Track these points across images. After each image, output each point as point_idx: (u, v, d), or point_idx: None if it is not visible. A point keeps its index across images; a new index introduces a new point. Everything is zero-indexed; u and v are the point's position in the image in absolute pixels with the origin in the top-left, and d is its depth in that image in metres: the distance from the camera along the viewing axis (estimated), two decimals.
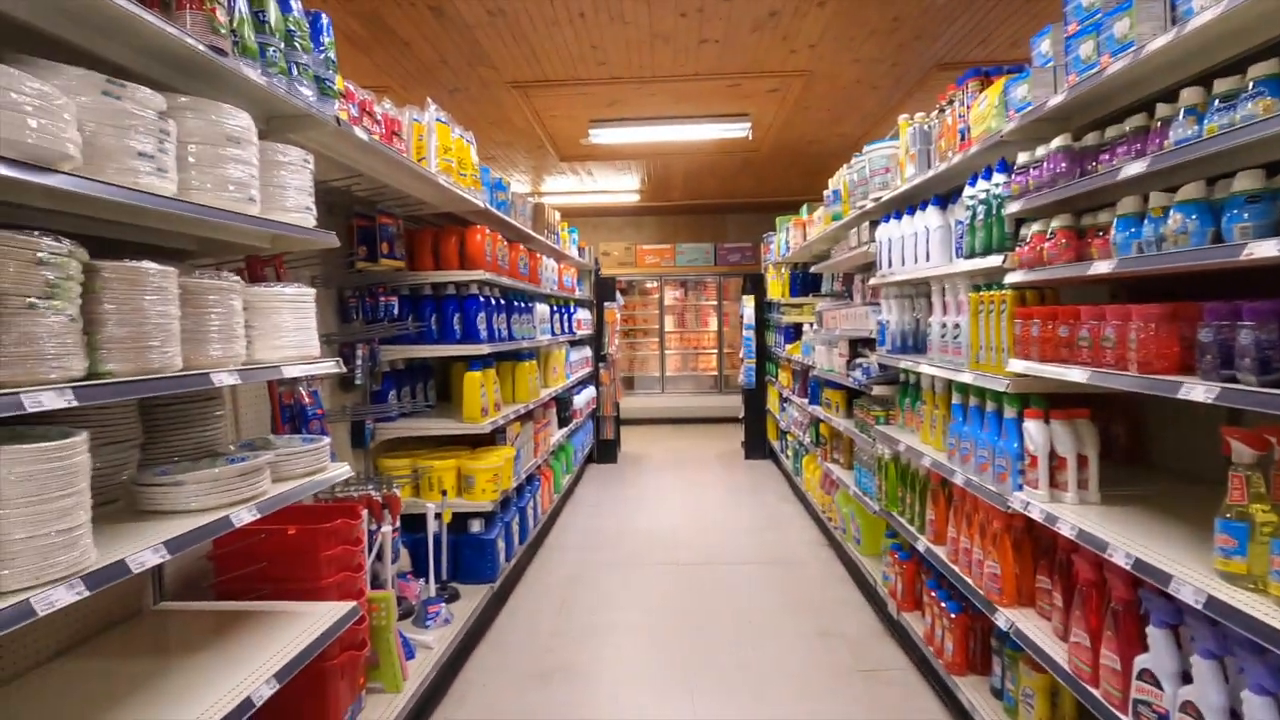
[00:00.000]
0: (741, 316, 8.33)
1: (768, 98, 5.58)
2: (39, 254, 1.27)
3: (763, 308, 8.03)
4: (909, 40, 4.45)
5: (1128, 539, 1.78)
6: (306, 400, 2.76)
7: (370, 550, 2.73)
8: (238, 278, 1.85)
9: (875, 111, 5.96)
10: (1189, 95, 1.58)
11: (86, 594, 1.27)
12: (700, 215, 11.19)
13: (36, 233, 1.29)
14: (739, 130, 6.15)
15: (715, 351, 11.42)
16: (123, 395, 1.42)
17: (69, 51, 1.53)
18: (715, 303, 11.40)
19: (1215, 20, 1.43)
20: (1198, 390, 1.46)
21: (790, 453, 6.69)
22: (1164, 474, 2.48)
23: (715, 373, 11.40)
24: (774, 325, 7.66)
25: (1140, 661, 1.70)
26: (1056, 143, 2.02)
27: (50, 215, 1.60)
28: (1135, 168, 1.67)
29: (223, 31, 1.70)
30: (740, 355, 8.41)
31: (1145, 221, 1.69)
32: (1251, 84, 1.43)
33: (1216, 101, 1.50)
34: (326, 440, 2.25)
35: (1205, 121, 1.52)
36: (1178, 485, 2.33)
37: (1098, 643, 1.87)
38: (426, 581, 3.34)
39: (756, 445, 8.08)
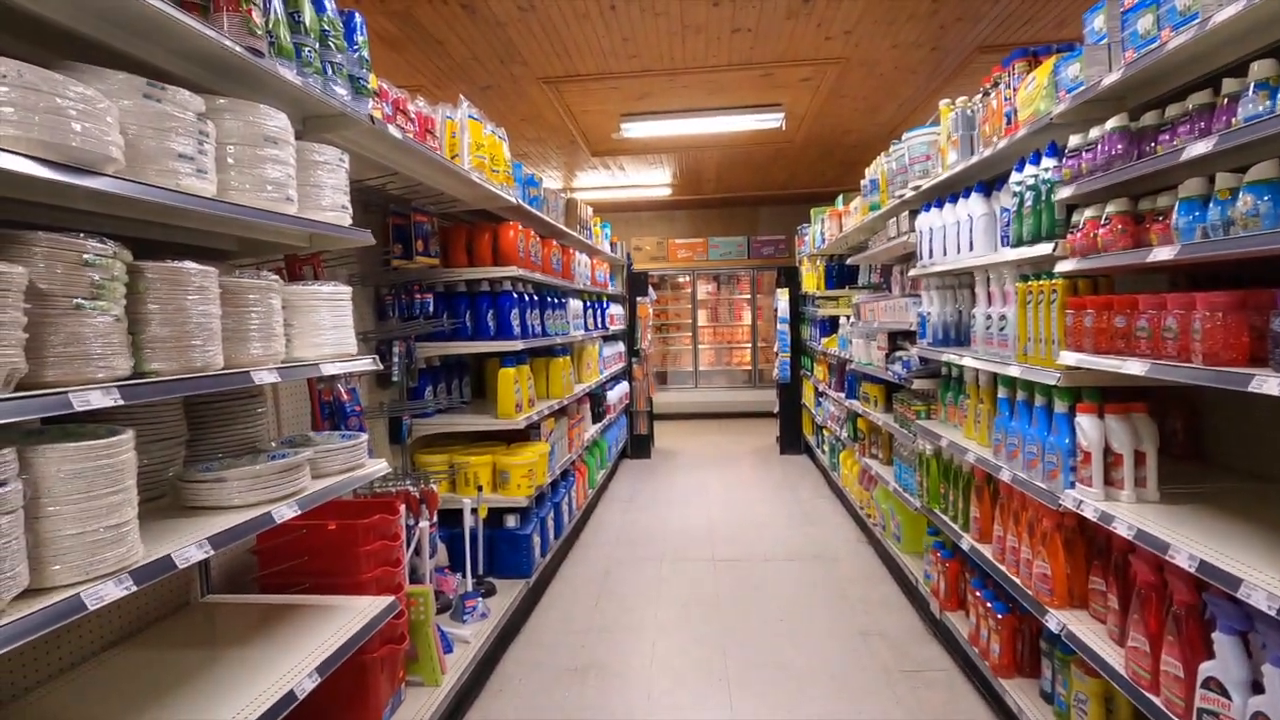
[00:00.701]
0: (775, 310, 8.23)
1: (801, 87, 5.48)
2: (85, 256, 1.30)
3: (797, 301, 7.91)
4: (950, 22, 4.32)
5: (1190, 540, 1.69)
6: (345, 397, 2.80)
7: (408, 545, 2.76)
8: (277, 277, 1.87)
9: (914, 98, 5.80)
10: (1260, 69, 1.48)
11: (134, 589, 1.30)
12: (733, 208, 11.08)
13: (82, 235, 1.31)
14: (772, 121, 6.06)
15: (749, 346, 11.31)
16: (167, 394, 1.44)
17: (111, 56, 1.56)
18: (749, 296, 11.28)
19: None
20: (1271, 383, 1.37)
21: (826, 448, 6.58)
22: (1226, 472, 2.36)
23: (749, 367, 11.29)
24: (809, 319, 7.54)
25: (1205, 669, 1.61)
26: (1112, 123, 1.92)
27: (91, 217, 1.64)
28: (1200, 147, 1.57)
29: (259, 33, 1.72)
30: (774, 349, 8.31)
31: (1211, 204, 1.59)
32: None
33: None
34: (365, 437, 2.27)
35: (1279, 97, 1.42)
36: (1242, 484, 2.22)
37: (1158, 648, 1.78)
38: (463, 576, 3.37)
39: (791, 440, 7.98)
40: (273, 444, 2.18)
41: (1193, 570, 1.59)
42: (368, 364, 2.18)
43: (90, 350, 1.29)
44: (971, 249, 2.89)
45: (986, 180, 2.92)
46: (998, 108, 2.66)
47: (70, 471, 1.24)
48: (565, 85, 5.26)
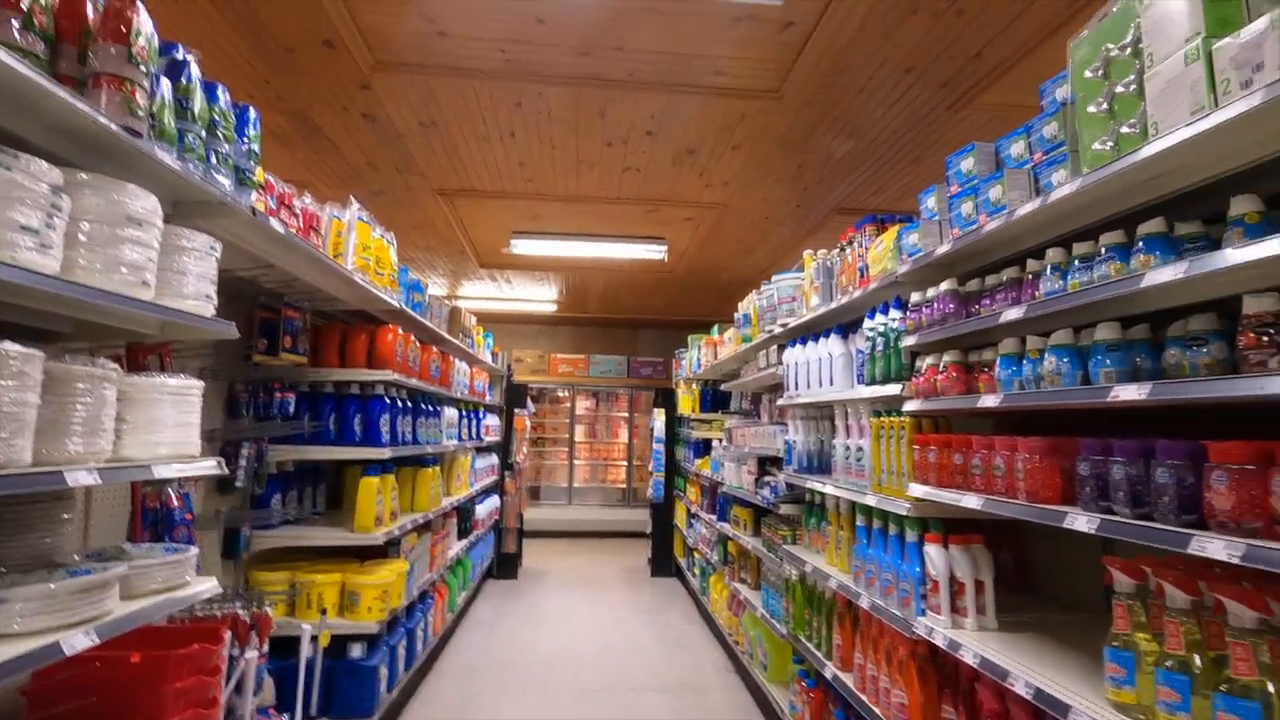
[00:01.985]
0: (652, 429, 8.39)
1: (684, 224, 5.93)
2: None
3: (673, 422, 8.13)
4: (811, 185, 4.92)
5: (1027, 666, 1.82)
6: (175, 503, 2.48)
7: (229, 680, 2.38)
8: (115, 365, 1.69)
9: (782, 244, 6.44)
10: (1053, 254, 1.80)
11: None
12: (615, 328, 11.45)
13: None
14: (656, 252, 6.46)
15: (625, 464, 11.34)
16: None
17: None
18: (627, 415, 11.46)
19: (1070, 195, 1.67)
20: (1080, 520, 1.56)
21: (697, 570, 6.56)
22: (1049, 600, 2.59)
23: (624, 485, 11.26)
24: (684, 440, 7.73)
25: None
26: (944, 286, 2.23)
27: None
28: (1014, 313, 1.85)
29: (140, 114, 1.65)
30: (650, 468, 8.39)
31: (1024, 361, 1.86)
32: (1104, 249, 1.65)
33: (1076, 262, 1.72)
34: (194, 551, 2.00)
35: (1069, 277, 1.73)
36: (1063, 612, 2.43)
37: None
38: (292, 717, 2.93)
39: (663, 562, 7.90)
40: (76, 557, 1.87)
41: (1030, 697, 1.70)
42: (209, 467, 1.97)
43: None
44: (832, 384, 3.14)
45: (845, 323, 3.24)
46: (852, 262, 3.01)
47: None
48: (460, 198, 5.37)
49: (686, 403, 7.57)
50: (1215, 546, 1.22)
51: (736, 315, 5.20)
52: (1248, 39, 1.20)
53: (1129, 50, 1.50)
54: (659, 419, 8.14)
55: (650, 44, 3.24)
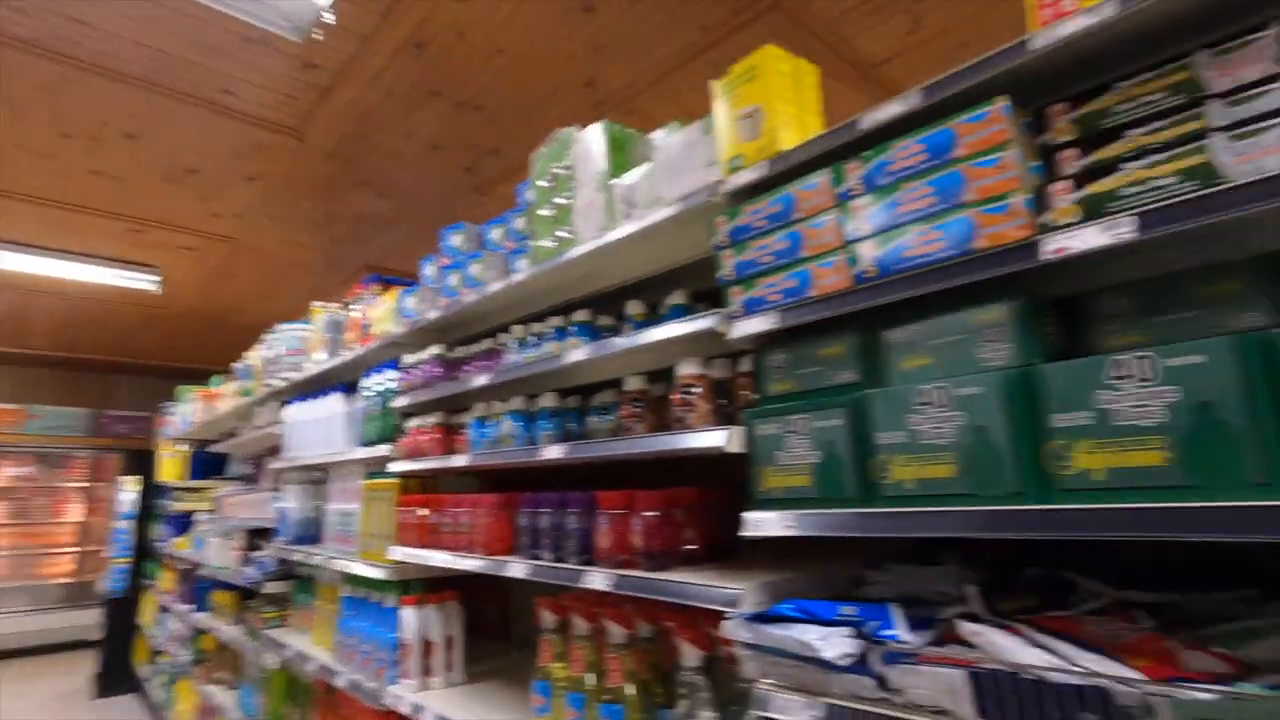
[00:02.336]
0: (118, 503, 6.62)
1: (183, 254, 5.02)
2: None
3: (152, 492, 6.55)
4: (343, 238, 4.73)
5: (481, 716, 1.91)
6: None
7: None
8: None
9: (308, 294, 5.95)
10: (516, 330, 2.05)
11: None
12: (79, 371, 8.85)
13: None
14: (145, 282, 5.29)
15: (76, 550, 8.61)
16: None
17: None
18: (86, 484, 8.81)
19: (525, 281, 1.94)
20: (517, 568, 1.74)
21: (165, 678, 5.27)
22: (522, 645, 2.82)
23: (72, 580, 8.50)
24: (162, 515, 6.28)
25: None
26: (432, 350, 2.33)
27: None
28: (482, 379, 2.03)
29: None
30: (107, 554, 6.54)
31: (489, 424, 2.04)
32: (551, 329, 1.94)
33: (532, 338, 1.99)
34: None
35: (525, 351, 1.98)
36: (531, 655, 2.68)
37: None
38: None
39: (117, 676, 6.13)
40: None
41: None
42: None
43: None
44: (333, 445, 2.95)
45: (349, 381, 3.11)
46: (358, 319, 2.93)
47: None
48: None
49: (172, 468, 6.20)
50: (597, 579, 1.49)
51: (238, 365, 4.55)
52: (628, 184, 1.60)
53: (567, 171, 1.85)
54: (129, 489, 6.48)
55: (129, 32, 2.70)
